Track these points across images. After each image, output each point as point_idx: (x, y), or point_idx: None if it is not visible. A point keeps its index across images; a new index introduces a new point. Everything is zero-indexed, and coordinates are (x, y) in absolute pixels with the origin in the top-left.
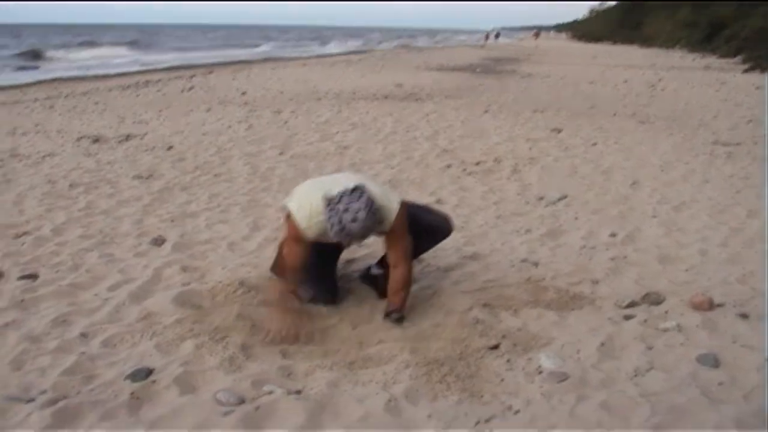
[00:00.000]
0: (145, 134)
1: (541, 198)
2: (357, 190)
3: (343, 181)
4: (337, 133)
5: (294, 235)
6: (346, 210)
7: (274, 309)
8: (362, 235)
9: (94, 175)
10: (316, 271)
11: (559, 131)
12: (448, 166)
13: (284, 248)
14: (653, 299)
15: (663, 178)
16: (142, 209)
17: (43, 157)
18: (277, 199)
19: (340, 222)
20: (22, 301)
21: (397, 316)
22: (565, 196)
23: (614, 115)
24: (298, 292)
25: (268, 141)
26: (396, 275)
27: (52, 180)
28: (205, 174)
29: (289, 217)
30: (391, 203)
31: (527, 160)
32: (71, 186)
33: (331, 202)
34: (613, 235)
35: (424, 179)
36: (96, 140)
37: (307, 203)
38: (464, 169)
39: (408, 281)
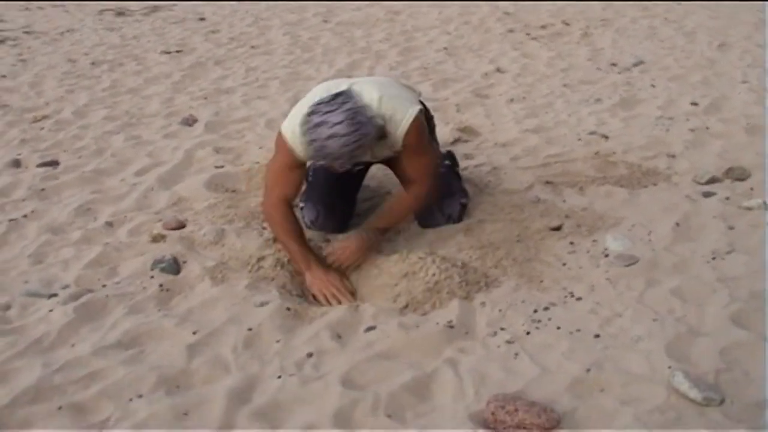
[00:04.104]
0: (174, 5)
1: (615, 64)
2: (339, 97)
3: (347, 84)
4: None
5: (287, 160)
6: (320, 124)
7: (305, 273)
8: (350, 156)
9: (118, 51)
10: (329, 193)
11: None
12: (510, 31)
13: (272, 176)
14: (737, 174)
15: (757, 37)
16: (172, 87)
17: (62, 33)
18: (320, 71)
19: (314, 141)
20: (43, 189)
21: (371, 235)
22: (642, 62)
23: None
24: (303, 215)
25: (311, 8)
26: (412, 191)
27: (72, 58)
28: (241, 46)
29: (281, 137)
30: (401, 110)
31: (600, 21)
32: (93, 64)
33: (305, 116)
34: (694, 103)
35: (483, 45)
36: (120, 13)
37: (298, 116)
38: (528, 34)
39: (418, 205)
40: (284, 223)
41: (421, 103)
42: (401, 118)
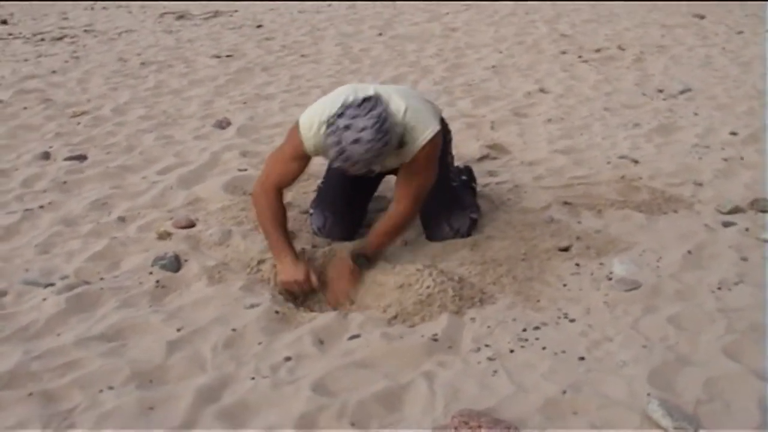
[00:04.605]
0: (236, 11)
1: (661, 90)
2: (368, 102)
3: (373, 89)
4: (448, 13)
5: (293, 150)
6: (347, 127)
7: (277, 262)
8: (370, 162)
9: (170, 53)
10: (338, 201)
11: (702, 17)
12: (563, 53)
13: (273, 162)
14: (761, 206)
15: None
16: (215, 90)
17: (120, 33)
18: (364, 82)
19: (338, 143)
20: (65, 182)
21: (364, 261)
22: (689, 89)
23: None
24: (311, 221)
25: (369, 20)
26: (393, 212)
27: (123, 58)
28: (291, 54)
29: (296, 128)
30: (423, 125)
31: (656, 48)
32: (143, 64)
33: (332, 117)
34: (733, 133)
35: (532, 65)
36: (180, 16)
37: (319, 112)
38: (580, 56)
39: (402, 226)
40: (270, 208)
41: (441, 118)
42: (422, 131)
